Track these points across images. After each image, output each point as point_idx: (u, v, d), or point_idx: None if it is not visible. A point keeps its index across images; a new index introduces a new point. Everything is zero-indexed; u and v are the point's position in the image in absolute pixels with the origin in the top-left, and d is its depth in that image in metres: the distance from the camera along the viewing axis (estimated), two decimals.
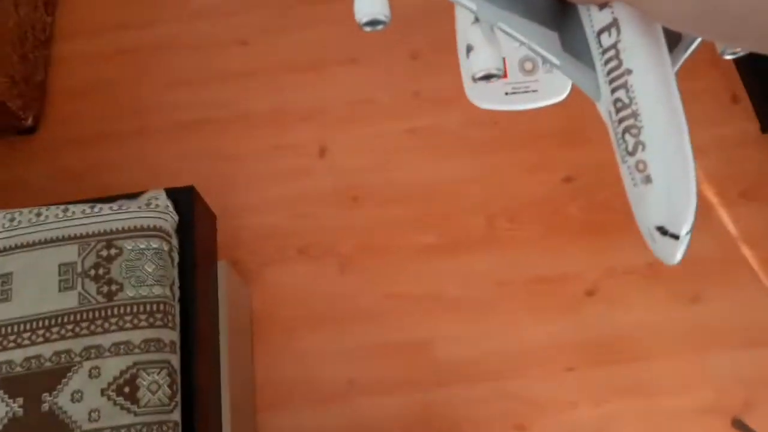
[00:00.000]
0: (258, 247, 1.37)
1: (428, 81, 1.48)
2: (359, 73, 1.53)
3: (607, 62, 0.33)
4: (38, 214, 0.96)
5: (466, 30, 0.37)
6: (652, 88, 0.32)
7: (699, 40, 0.35)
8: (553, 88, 0.44)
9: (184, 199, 1.02)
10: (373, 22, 0.35)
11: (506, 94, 0.44)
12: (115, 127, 1.52)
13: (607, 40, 0.33)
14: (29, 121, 1.49)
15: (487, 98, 0.45)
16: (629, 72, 0.32)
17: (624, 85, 0.32)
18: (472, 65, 0.36)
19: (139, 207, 0.97)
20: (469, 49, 0.36)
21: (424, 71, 1.50)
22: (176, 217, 0.99)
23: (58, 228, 0.94)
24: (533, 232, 1.33)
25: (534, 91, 0.43)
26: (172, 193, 1.01)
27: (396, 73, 1.51)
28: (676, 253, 0.31)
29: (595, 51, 0.34)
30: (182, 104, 1.52)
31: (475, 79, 0.37)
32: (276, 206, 1.40)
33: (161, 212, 0.97)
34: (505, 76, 0.43)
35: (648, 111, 0.32)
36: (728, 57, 0.36)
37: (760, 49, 0.29)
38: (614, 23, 0.33)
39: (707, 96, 1.40)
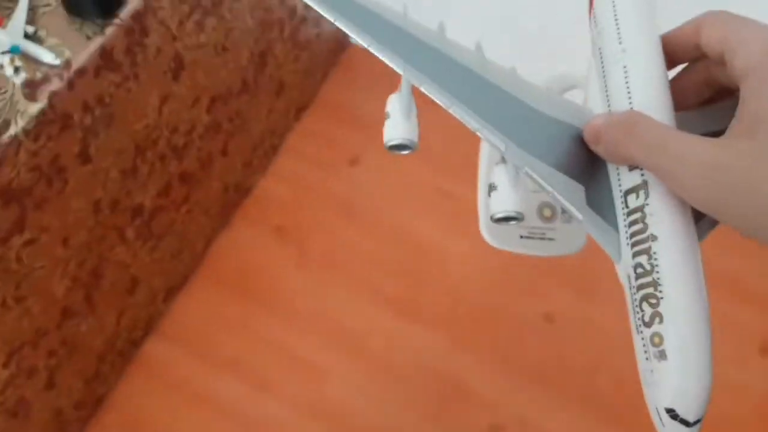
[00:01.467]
0: None
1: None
2: None
3: (631, 224, 0.32)
4: None
5: (490, 167, 0.36)
6: (677, 259, 0.30)
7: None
8: (570, 239, 0.43)
9: None
10: (399, 146, 0.35)
11: (521, 237, 0.43)
12: None
13: (633, 201, 0.32)
14: None
15: (501, 237, 0.44)
16: (654, 238, 0.31)
17: (647, 251, 0.31)
18: (493, 205, 0.35)
19: None
20: (491, 188, 0.35)
21: None
22: None
23: None
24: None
25: (550, 239, 0.42)
26: None
27: None
28: None
29: (619, 211, 0.33)
30: None
31: (493, 220, 0.36)
32: None
33: None
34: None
35: (670, 282, 0.30)
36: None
37: None
38: (643, 185, 0.32)
39: None
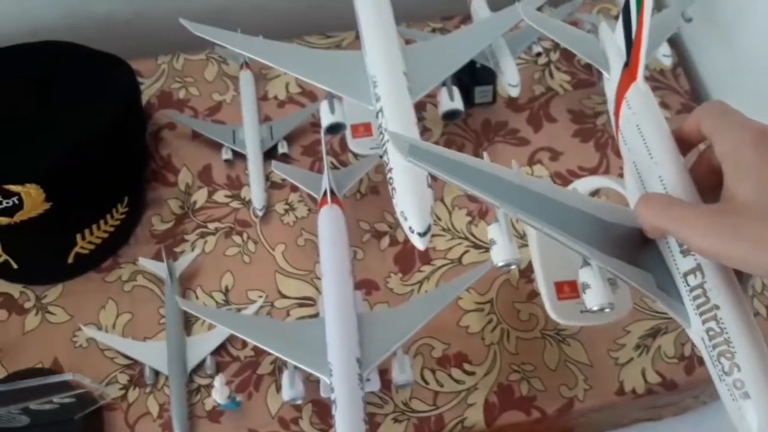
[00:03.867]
0: None
1: None
2: None
3: (695, 298, 0.40)
4: None
5: (578, 272, 0.45)
6: (740, 320, 0.39)
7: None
8: (622, 304, 0.54)
9: None
10: (507, 265, 0.45)
11: (581, 312, 0.54)
12: None
13: (693, 280, 0.41)
14: None
15: (567, 315, 0.54)
16: (717, 307, 0.39)
17: (714, 318, 0.39)
18: (589, 301, 0.45)
19: None
20: (584, 286, 0.45)
21: None
22: None
23: None
24: None
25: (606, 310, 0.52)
26: None
27: None
28: None
29: (682, 288, 0.41)
30: None
31: (591, 312, 0.45)
32: None
33: None
34: (578, 297, 0.53)
35: (739, 338, 0.38)
36: None
37: None
38: (698, 267, 0.40)
39: None
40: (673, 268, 0.42)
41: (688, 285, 0.41)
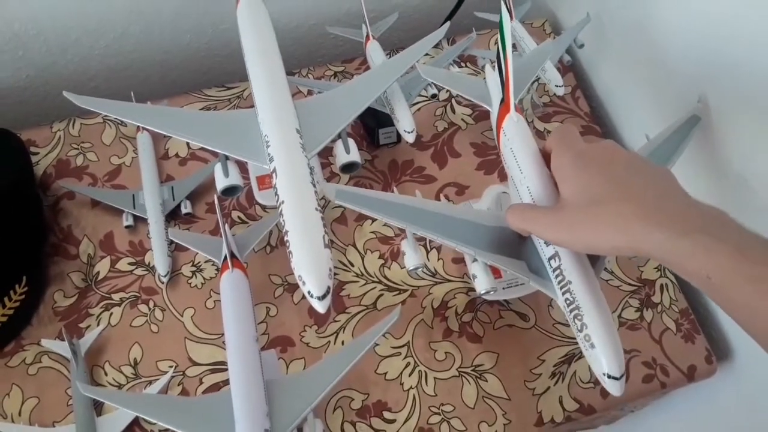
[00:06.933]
0: None
1: None
2: None
3: (556, 276, 0.52)
4: None
5: (469, 265, 0.59)
6: (587, 290, 0.50)
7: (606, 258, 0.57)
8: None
9: None
10: (415, 269, 0.59)
11: (503, 288, 0.68)
12: None
13: (554, 263, 0.52)
14: None
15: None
16: (570, 282, 0.50)
17: (569, 290, 0.50)
18: (478, 286, 0.58)
19: None
20: (474, 277, 0.58)
21: None
22: None
23: None
24: None
25: (522, 284, 0.67)
26: None
27: None
28: (620, 388, 0.48)
29: (548, 270, 0.53)
30: None
31: (482, 293, 0.58)
32: None
33: None
34: (500, 276, 0.68)
35: (585, 304, 0.49)
36: None
37: None
38: (556, 254, 0.51)
39: None
40: (541, 255, 0.54)
41: (551, 267, 0.52)
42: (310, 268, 0.51)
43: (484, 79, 0.65)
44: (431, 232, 0.55)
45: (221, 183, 0.59)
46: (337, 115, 0.64)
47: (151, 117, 0.62)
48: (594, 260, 0.53)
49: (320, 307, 0.51)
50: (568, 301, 0.50)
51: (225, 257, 0.59)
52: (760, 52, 0.59)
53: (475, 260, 0.58)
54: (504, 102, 0.59)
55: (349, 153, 0.63)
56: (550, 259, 0.52)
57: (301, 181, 0.57)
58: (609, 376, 0.48)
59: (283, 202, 0.54)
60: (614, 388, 0.48)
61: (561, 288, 0.51)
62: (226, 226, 0.62)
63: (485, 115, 0.84)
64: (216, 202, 0.60)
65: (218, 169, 0.60)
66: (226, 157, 0.60)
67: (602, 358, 0.48)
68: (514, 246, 0.56)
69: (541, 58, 0.71)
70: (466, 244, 0.55)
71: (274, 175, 0.57)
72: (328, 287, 0.51)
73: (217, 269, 0.70)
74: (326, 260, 0.52)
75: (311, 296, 0.51)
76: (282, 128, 0.59)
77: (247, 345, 0.54)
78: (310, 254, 0.52)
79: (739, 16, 0.61)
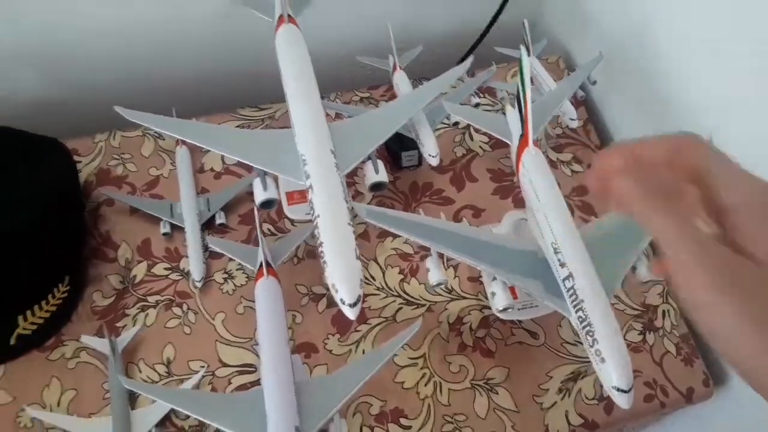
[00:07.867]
0: None
1: None
2: None
3: (570, 296, 0.56)
4: None
5: (488, 283, 0.67)
6: (598, 309, 0.54)
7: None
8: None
9: None
10: (439, 283, 0.63)
11: (518, 309, 0.70)
12: None
13: (568, 283, 0.57)
14: None
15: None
16: (583, 301, 0.55)
17: (582, 309, 0.55)
18: (496, 303, 0.63)
19: None
20: (492, 294, 0.63)
21: None
22: None
23: None
24: None
25: (535, 306, 0.70)
26: None
27: None
28: (628, 401, 0.52)
29: (563, 291, 0.57)
30: None
31: (499, 311, 0.64)
32: None
33: None
34: (516, 298, 0.70)
35: (597, 322, 0.54)
36: None
37: None
38: (570, 275, 0.56)
39: None
40: (557, 277, 0.59)
41: (566, 287, 0.57)
42: (343, 277, 0.56)
43: (504, 114, 0.71)
44: (454, 251, 0.60)
45: (260, 196, 0.64)
46: (367, 138, 0.68)
47: (197, 133, 0.66)
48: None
49: (351, 314, 0.55)
50: (580, 319, 0.55)
51: (261, 265, 0.64)
52: None
53: (494, 278, 0.62)
54: (523, 137, 0.64)
55: (378, 173, 0.68)
56: (564, 279, 0.57)
57: (336, 198, 0.61)
58: (618, 389, 0.52)
59: (318, 216, 0.58)
60: (623, 401, 0.52)
61: (574, 307, 0.56)
62: (262, 235, 0.67)
63: (501, 143, 0.88)
64: (256, 213, 0.65)
65: (257, 183, 0.65)
66: (265, 173, 0.65)
67: (612, 372, 0.52)
68: (531, 267, 0.61)
69: (558, 98, 0.77)
70: (486, 263, 0.60)
71: (310, 191, 0.62)
72: (359, 296, 0.56)
73: (248, 277, 0.74)
74: (357, 271, 0.57)
75: (343, 303, 0.55)
76: (318, 148, 0.64)
77: (279, 346, 0.58)
78: (343, 265, 0.56)
79: (742, 55, 0.66)
